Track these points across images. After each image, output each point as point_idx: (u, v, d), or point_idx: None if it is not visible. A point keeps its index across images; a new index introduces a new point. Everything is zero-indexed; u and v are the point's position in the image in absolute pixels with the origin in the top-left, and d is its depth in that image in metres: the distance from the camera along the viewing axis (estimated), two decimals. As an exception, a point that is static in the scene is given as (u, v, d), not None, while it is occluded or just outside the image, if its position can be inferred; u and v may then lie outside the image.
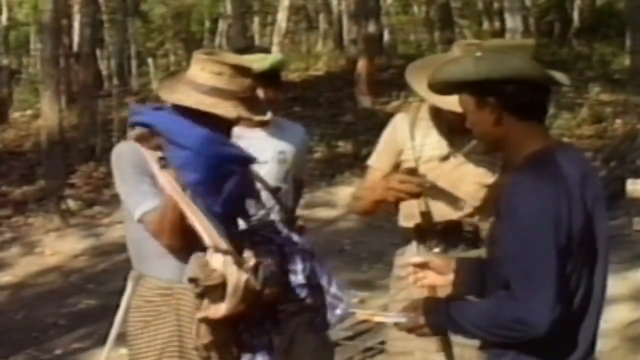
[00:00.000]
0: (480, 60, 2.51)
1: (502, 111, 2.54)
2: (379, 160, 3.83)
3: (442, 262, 2.90)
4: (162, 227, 3.20)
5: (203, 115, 3.18)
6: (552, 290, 2.39)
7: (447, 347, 3.52)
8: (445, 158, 3.63)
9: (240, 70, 3.25)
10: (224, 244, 3.16)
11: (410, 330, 2.73)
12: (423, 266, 2.90)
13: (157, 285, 3.32)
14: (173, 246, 3.24)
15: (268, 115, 3.54)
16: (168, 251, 3.26)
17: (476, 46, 2.59)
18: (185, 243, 3.19)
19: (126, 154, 3.30)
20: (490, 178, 3.62)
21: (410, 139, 3.70)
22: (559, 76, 2.61)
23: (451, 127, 3.60)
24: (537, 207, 2.41)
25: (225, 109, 3.19)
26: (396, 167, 3.75)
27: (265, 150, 4.10)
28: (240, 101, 3.23)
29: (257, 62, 3.89)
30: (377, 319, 3.04)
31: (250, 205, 3.50)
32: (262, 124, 4.01)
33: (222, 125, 3.23)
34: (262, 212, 3.62)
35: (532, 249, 2.41)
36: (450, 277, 2.83)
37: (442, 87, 2.70)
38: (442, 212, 3.65)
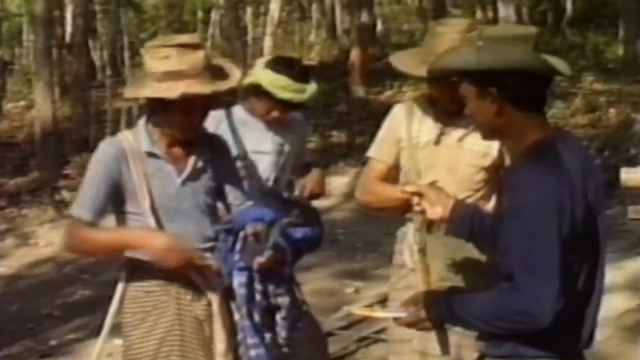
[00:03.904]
0: (482, 51, 2.50)
1: (503, 102, 2.52)
2: (379, 151, 3.80)
3: (436, 195, 2.93)
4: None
5: (170, 103, 3.15)
6: (555, 282, 2.38)
7: (443, 339, 3.52)
8: (438, 141, 3.63)
9: (187, 47, 3.17)
10: None
11: (411, 324, 2.72)
12: (419, 196, 2.95)
13: (156, 275, 3.31)
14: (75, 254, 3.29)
15: (227, 86, 3.29)
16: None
17: (477, 35, 2.57)
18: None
19: (104, 155, 3.26)
20: (486, 161, 3.62)
21: (407, 127, 3.69)
22: (561, 66, 2.60)
23: (445, 111, 3.61)
24: (539, 199, 2.40)
25: (175, 90, 3.10)
26: (397, 157, 3.73)
27: (266, 141, 4.11)
28: (194, 78, 3.14)
29: (294, 93, 3.86)
30: (378, 314, 3.02)
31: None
32: (269, 116, 4.00)
33: (194, 108, 3.19)
34: None
35: (536, 241, 2.39)
36: (441, 211, 2.87)
37: (442, 74, 2.70)
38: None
